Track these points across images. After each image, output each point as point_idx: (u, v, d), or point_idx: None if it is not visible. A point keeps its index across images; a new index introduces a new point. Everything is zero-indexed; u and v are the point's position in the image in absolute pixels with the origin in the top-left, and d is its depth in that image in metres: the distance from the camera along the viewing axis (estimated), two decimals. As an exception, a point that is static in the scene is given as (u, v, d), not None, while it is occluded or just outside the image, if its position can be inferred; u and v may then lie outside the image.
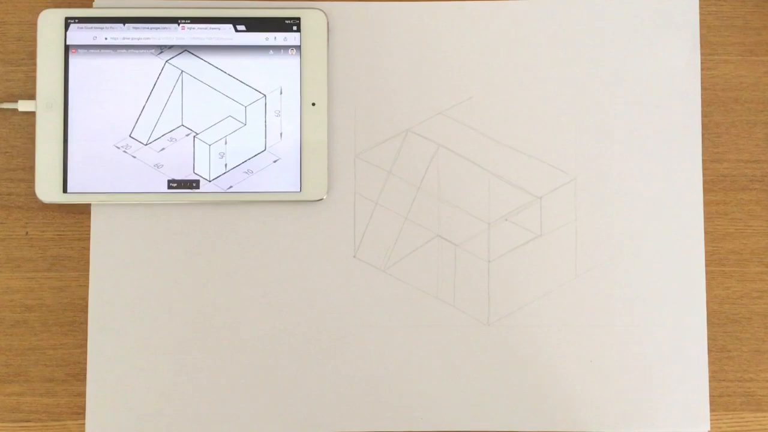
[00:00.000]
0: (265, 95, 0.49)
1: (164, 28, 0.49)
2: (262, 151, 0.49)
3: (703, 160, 0.49)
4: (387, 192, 0.49)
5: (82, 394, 0.48)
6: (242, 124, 0.49)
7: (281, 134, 0.49)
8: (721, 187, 0.50)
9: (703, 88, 0.50)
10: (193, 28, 0.49)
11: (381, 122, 0.50)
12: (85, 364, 0.48)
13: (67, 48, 0.48)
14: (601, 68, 0.50)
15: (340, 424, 0.48)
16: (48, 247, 0.49)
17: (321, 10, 0.49)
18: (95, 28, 0.49)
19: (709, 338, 0.48)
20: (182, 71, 0.49)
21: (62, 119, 0.48)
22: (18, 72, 0.50)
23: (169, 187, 0.48)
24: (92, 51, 0.49)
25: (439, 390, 0.48)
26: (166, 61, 0.49)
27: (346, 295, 0.49)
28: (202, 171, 0.48)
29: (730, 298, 0.49)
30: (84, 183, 0.48)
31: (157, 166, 0.48)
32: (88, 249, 0.49)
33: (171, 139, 0.48)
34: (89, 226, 0.49)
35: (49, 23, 0.48)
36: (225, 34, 0.49)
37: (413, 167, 0.49)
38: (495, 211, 0.49)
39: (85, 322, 0.48)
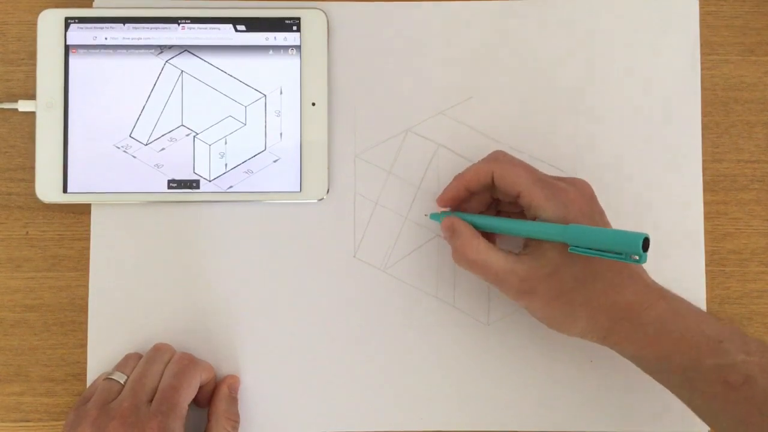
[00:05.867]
0: (265, 95, 0.49)
1: (164, 28, 0.49)
2: (262, 151, 0.49)
3: (703, 160, 0.49)
4: (387, 192, 0.49)
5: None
6: (242, 124, 0.49)
7: (281, 134, 0.49)
8: (721, 187, 0.50)
9: (703, 88, 0.50)
10: (193, 28, 0.49)
11: (381, 122, 0.50)
12: (85, 364, 0.48)
13: (67, 48, 0.48)
14: (601, 68, 0.50)
15: (340, 424, 0.48)
16: (48, 247, 0.49)
17: (321, 10, 0.49)
18: (95, 28, 0.49)
19: (709, 338, 0.48)
20: (182, 71, 0.49)
21: (62, 119, 0.48)
22: (18, 72, 0.50)
23: (169, 187, 0.48)
24: (92, 51, 0.49)
25: (439, 390, 0.48)
26: (166, 61, 0.49)
27: (346, 295, 0.49)
28: (202, 171, 0.48)
29: (730, 298, 0.49)
30: (84, 183, 0.48)
31: (157, 166, 0.48)
32: (88, 249, 0.49)
33: (171, 139, 0.48)
34: (89, 226, 0.49)
35: (49, 23, 0.48)
36: (225, 34, 0.49)
37: (413, 167, 0.49)
38: (495, 211, 0.49)
39: (85, 322, 0.48)
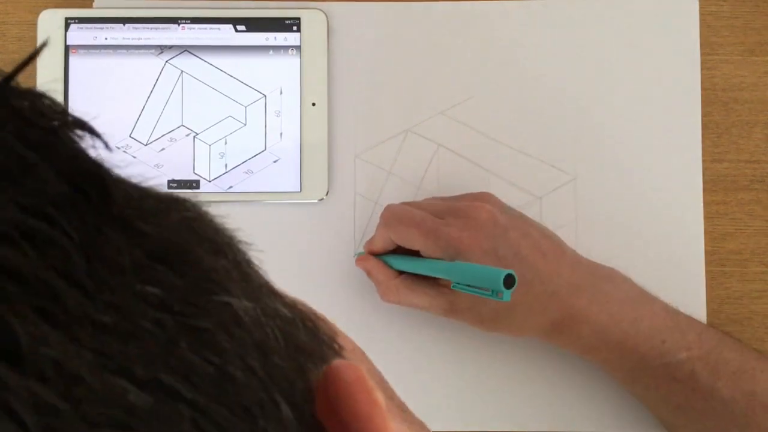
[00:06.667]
0: (265, 95, 0.49)
1: (164, 28, 0.49)
2: (262, 151, 0.49)
3: (703, 160, 0.49)
4: (387, 192, 0.49)
5: (82, 394, 0.48)
6: (242, 124, 0.49)
7: (281, 134, 0.49)
8: (721, 187, 0.50)
9: (703, 88, 0.50)
10: (193, 28, 0.49)
11: (381, 122, 0.50)
12: (85, 364, 0.48)
13: (67, 48, 0.48)
14: (601, 68, 0.50)
15: (340, 424, 0.48)
16: (48, 247, 0.49)
17: (321, 10, 0.49)
18: (95, 28, 0.49)
19: (709, 338, 0.48)
20: (182, 71, 0.49)
21: (62, 119, 0.48)
22: (18, 72, 0.50)
23: (169, 187, 0.48)
24: (92, 51, 0.49)
25: (439, 390, 0.48)
26: (166, 61, 0.49)
27: (346, 295, 0.48)
28: (202, 171, 0.48)
29: (730, 298, 0.49)
30: (84, 183, 0.48)
31: (157, 166, 0.48)
32: (88, 249, 0.48)
33: (171, 140, 0.48)
34: (89, 226, 0.49)
35: (49, 23, 0.48)
36: (225, 34, 0.49)
37: (413, 167, 0.49)
38: (495, 211, 0.49)
39: (85, 322, 0.48)
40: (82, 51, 0.48)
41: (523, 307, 0.41)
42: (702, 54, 0.50)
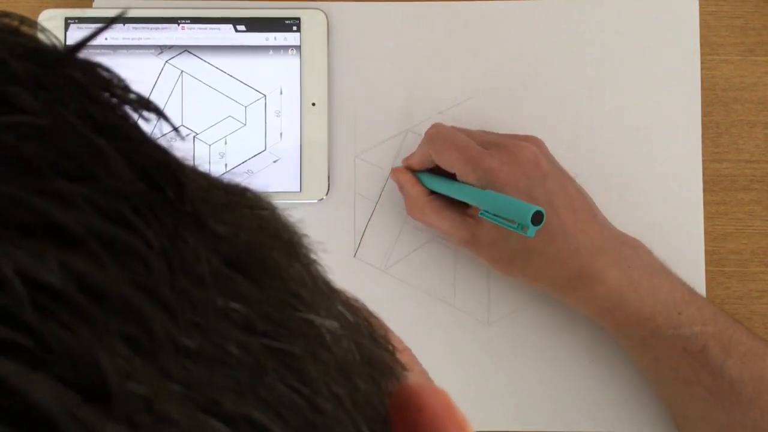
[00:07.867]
0: (265, 95, 0.49)
1: (164, 28, 0.49)
2: (262, 151, 0.49)
3: (703, 160, 0.49)
4: (387, 192, 0.49)
5: (82, 394, 0.48)
6: (242, 124, 0.49)
7: (281, 134, 0.49)
8: (721, 187, 0.50)
9: (703, 88, 0.50)
10: (193, 29, 0.49)
11: (381, 122, 0.50)
12: (85, 364, 0.48)
13: (67, 48, 0.48)
14: (601, 68, 0.50)
15: (340, 424, 0.48)
16: (48, 247, 0.49)
17: (321, 10, 0.49)
18: (95, 28, 0.49)
19: (709, 338, 0.48)
20: (182, 71, 0.49)
21: (62, 119, 0.48)
22: (18, 72, 0.50)
23: (169, 187, 0.48)
24: (92, 51, 0.48)
25: (439, 390, 0.48)
26: (166, 61, 0.49)
27: (346, 295, 0.48)
28: (202, 171, 0.48)
29: (730, 298, 0.49)
30: (84, 183, 0.48)
31: (157, 166, 0.48)
32: (88, 249, 0.48)
33: (171, 140, 0.48)
34: (89, 226, 0.49)
35: (49, 23, 0.48)
36: (225, 35, 0.49)
37: (413, 167, 0.49)
38: (495, 211, 0.49)
39: (85, 322, 0.48)
40: (81, 51, 0.48)
41: (542, 257, 0.41)
42: (702, 54, 0.50)
